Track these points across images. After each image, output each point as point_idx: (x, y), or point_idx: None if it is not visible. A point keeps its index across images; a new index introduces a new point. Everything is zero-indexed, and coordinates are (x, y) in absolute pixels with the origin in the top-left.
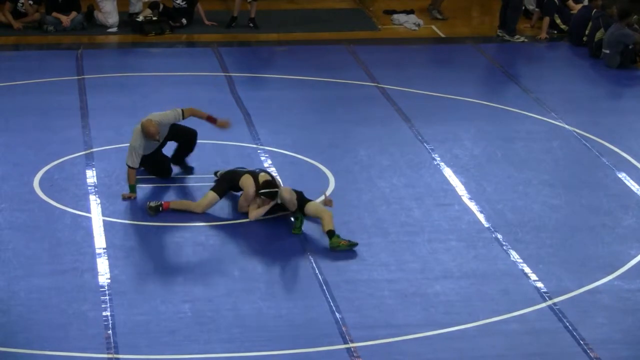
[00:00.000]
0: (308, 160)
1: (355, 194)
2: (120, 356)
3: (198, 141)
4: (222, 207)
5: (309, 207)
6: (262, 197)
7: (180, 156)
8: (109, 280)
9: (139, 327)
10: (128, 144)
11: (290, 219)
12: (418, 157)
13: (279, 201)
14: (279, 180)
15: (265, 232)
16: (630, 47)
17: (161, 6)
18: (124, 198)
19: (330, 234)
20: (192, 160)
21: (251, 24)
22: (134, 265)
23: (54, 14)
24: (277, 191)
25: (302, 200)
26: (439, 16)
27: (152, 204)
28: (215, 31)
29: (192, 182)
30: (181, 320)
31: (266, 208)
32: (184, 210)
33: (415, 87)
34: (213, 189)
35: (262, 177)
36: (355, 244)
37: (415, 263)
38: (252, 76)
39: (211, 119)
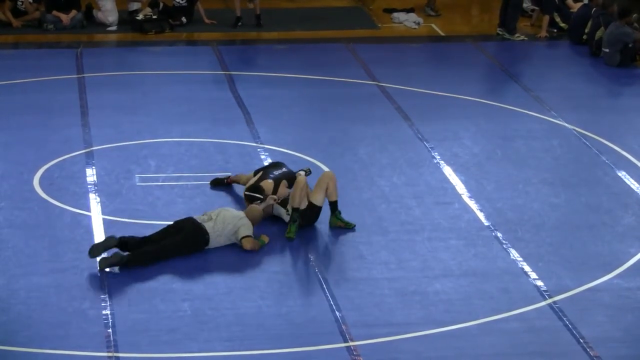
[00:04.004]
0: (308, 158)
1: (355, 193)
2: (120, 354)
3: (198, 140)
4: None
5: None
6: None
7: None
8: (108, 279)
9: (138, 326)
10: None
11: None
12: (418, 156)
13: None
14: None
15: (265, 230)
16: (630, 45)
17: (161, 4)
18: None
19: (333, 207)
20: (192, 158)
21: (257, 22)
22: None
23: (54, 12)
24: (259, 197)
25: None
26: (432, 13)
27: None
28: (215, 29)
29: (192, 180)
30: (181, 318)
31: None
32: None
33: (415, 86)
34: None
35: (266, 183)
36: (353, 226)
37: (415, 261)
38: (252, 74)
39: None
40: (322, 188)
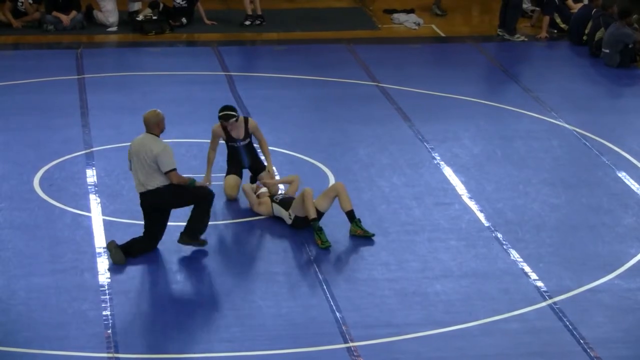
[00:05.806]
0: (308, 159)
1: (355, 193)
2: (120, 355)
3: (198, 140)
4: (221, 206)
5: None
6: (219, 119)
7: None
8: (108, 280)
9: (138, 327)
10: (156, 151)
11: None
12: (418, 156)
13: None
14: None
15: (265, 231)
16: (630, 46)
17: (161, 5)
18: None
19: (350, 217)
20: (191, 158)
21: (258, 21)
22: (133, 264)
23: (54, 13)
24: (234, 115)
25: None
26: (438, 11)
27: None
28: (215, 30)
29: None
30: (181, 319)
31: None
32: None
33: (415, 86)
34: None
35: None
36: (372, 235)
37: (416, 262)
38: (252, 75)
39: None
40: (328, 197)
